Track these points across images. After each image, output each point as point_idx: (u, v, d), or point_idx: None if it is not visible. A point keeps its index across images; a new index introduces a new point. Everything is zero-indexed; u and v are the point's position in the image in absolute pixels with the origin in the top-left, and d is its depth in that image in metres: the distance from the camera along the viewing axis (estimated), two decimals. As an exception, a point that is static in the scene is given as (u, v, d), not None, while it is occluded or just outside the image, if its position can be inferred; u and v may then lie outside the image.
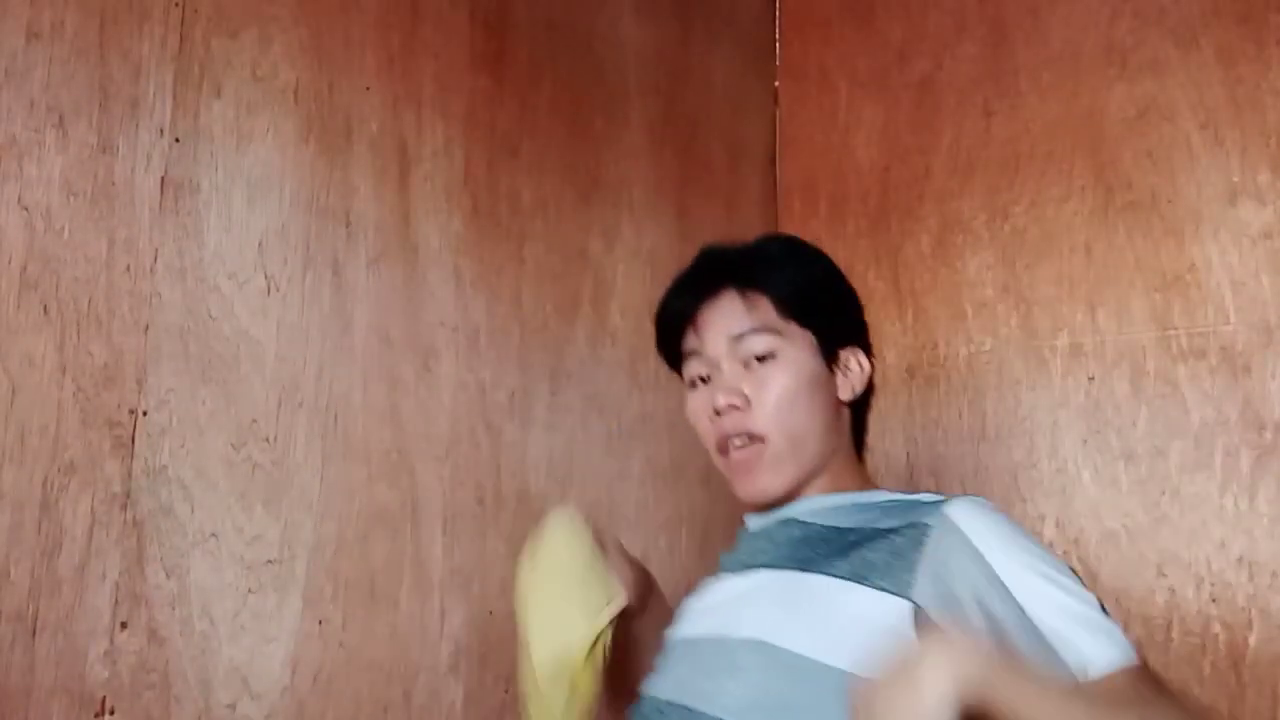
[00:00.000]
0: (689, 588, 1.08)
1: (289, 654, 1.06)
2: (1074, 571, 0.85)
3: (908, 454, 1.63)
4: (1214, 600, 1.33)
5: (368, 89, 1.21)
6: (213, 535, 1.01)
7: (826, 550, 0.91)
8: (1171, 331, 1.42)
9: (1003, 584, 0.80)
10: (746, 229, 1.82)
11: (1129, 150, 1.50)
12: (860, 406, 1.06)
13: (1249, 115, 1.41)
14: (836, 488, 1.00)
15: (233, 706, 1.00)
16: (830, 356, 1.01)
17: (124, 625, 0.94)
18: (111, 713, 0.92)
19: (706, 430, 1.01)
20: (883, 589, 0.84)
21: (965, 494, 0.95)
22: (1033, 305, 1.54)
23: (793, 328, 0.99)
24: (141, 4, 1.02)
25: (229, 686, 1.01)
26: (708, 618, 0.97)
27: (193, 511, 1.00)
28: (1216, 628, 1.32)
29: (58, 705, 0.89)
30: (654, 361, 1.54)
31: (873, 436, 1.72)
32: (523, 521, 1.31)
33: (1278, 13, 1.42)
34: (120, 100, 0.99)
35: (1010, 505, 1.50)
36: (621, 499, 1.46)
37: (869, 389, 1.05)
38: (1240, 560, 1.32)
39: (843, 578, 0.87)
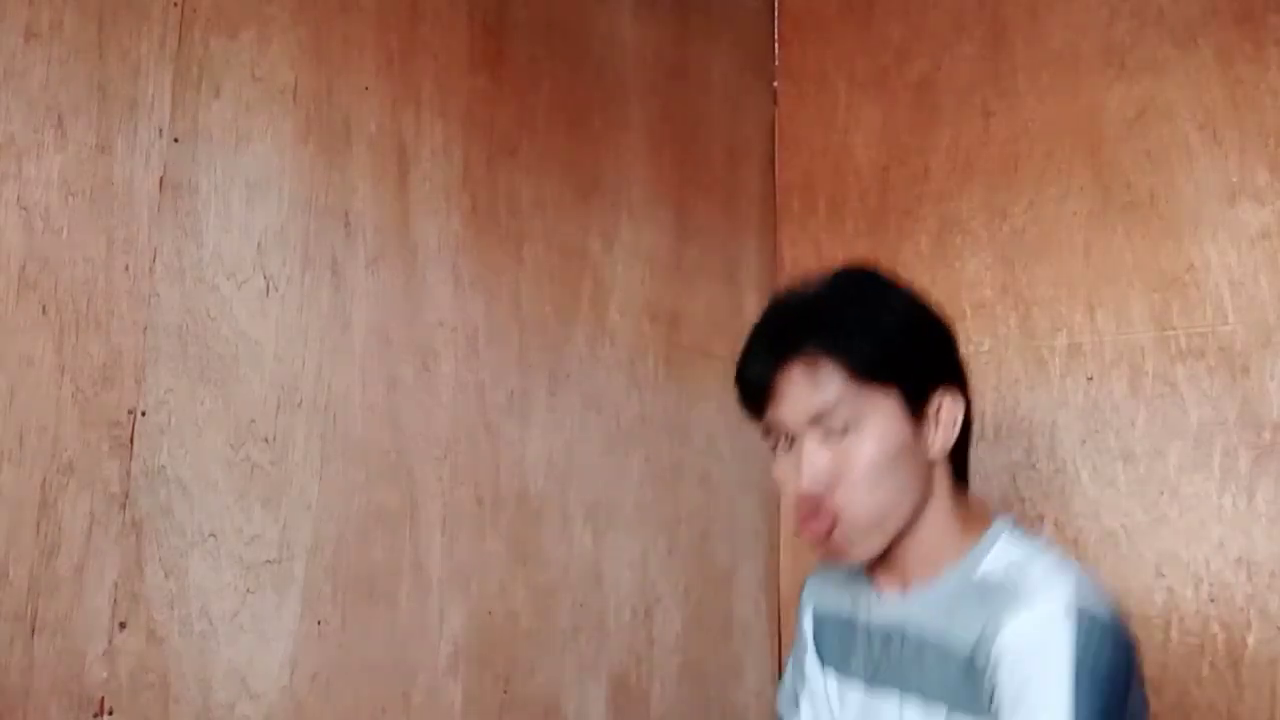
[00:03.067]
0: (687, 587, 1.08)
1: (288, 654, 1.05)
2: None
3: (907, 454, 1.63)
4: (1212, 600, 1.33)
5: (367, 89, 1.21)
6: (211, 535, 1.01)
7: (952, 680, 0.88)
8: (1170, 332, 1.42)
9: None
10: (745, 229, 1.82)
11: (1128, 150, 1.50)
12: (959, 447, 0.96)
13: (1247, 115, 1.41)
14: (939, 556, 0.94)
15: (231, 707, 1.00)
16: (918, 409, 0.92)
17: (123, 625, 0.94)
18: (110, 713, 0.92)
19: (791, 500, 0.93)
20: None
21: (1048, 579, 0.85)
22: (1031, 305, 1.54)
23: (873, 389, 0.90)
24: (140, 4, 1.02)
25: (228, 687, 1.01)
26: None
27: (191, 511, 1.00)
28: (1215, 628, 1.32)
29: (56, 705, 0.89)
30: (653, 361, 1.54)
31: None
32: (522, 521, 1.31)
33: (1276, 13, 1.42)
34: (119, 100, 0.99)
35: (1009, 505, 1.50)
36: (621, 499, 1.46)
37: (967, 427, 0.96)
38: (1239, 560, 1.32)
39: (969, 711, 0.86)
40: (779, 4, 1.97)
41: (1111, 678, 0.79)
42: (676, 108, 1.69)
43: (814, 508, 0.90)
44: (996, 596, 0.86)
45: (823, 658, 1.06)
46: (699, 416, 1.60)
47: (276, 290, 1.10)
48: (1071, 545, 1.44)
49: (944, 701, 0.87)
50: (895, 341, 0.92)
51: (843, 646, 1.02)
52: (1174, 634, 1.35)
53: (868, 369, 0.89)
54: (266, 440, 1.07)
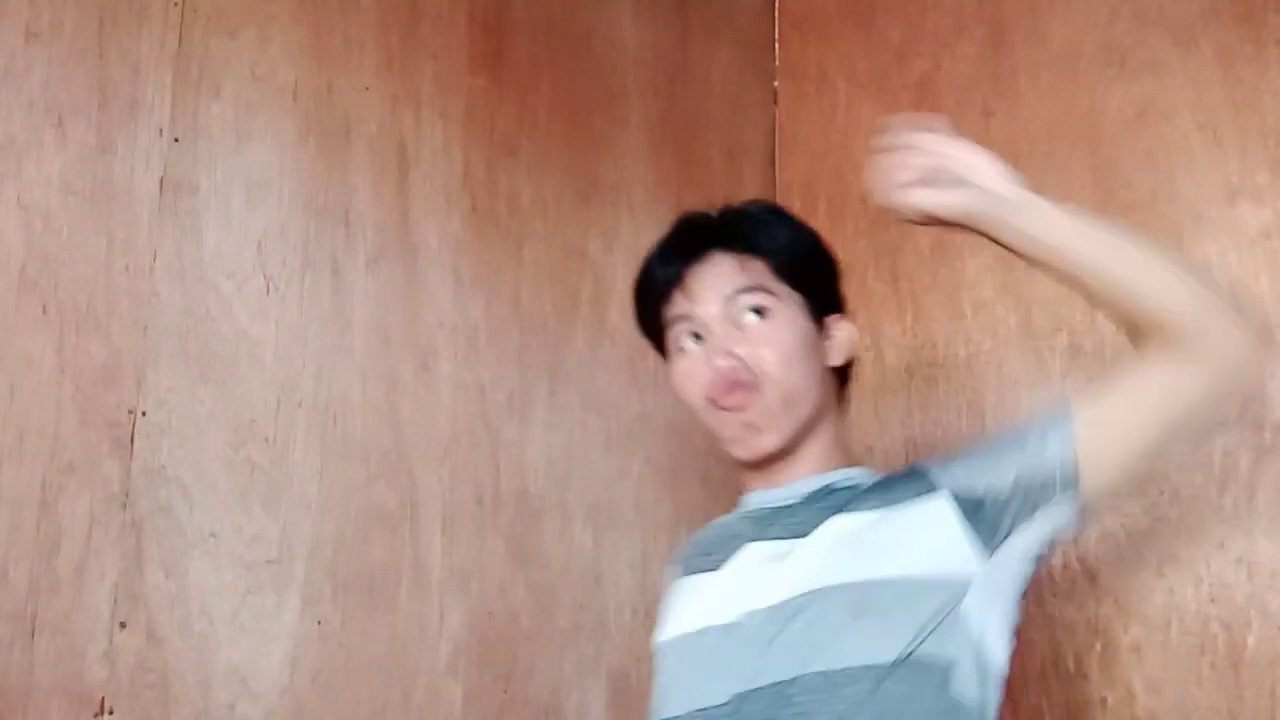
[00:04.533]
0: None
1: (288, 654, 1.05)
2: None
3: (907, 454, 1.63)
4: (1213, 600, 1.33)
5: (367, 89, 1.21)
6: (212, 535, 1.01)
7: (846, 500, 0.94)
8: (1170, 332, 1.42)
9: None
10: (746, 229, 1.82)
11: (1128, 150, 1.50)
12: (844, 377, 1.05)
13: (1248, 116, 1.41)
14: (829, 464, 1.00)
15: (231, 706, 1.00)
16: (819, 321, 1.01)
17: (123, 625, 0.94)
18: (110, 713, 0.92)
19: (699, 388, 0.97)
20: (918, 498, 0.91)
21: None
22: (1032, 305, 1.54)
23: (785, 289, 0.98)
24: (140, 4, 1.02)
25: (228, 686, 1.01)
26: (775, 580, 0.91)
27: (192, 511, 1.00)
28: (1215, 628, 1.32)
29: (56, 705, 0.89)
30: (653, 361, 1.54)
31: (872, 436, 1.72)
32: (522, 521, 1.31)
33: (1276, 13, 1.42)
34: (119, 100, 0.99)
35: (1009, 505, 1.50)
36: (620, 499, 1.46)
37: (852, 361, 1.05)
38: (1239, 560, 1.32)
39: (879, 508, 0.92)
40: (779, 4, 1.97)
41: None
42: (676, 108, 1.69)
43: (733, 383, 0.94)
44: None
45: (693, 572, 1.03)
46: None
47: (276, 290, 1.10)
48: (1072, 545, 1.44)
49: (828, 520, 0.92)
50: (808, 256, 1.02)
51: (733, 540, 1.00)
52: (1174, 634, 1.35)
53: (785, 266, 0.98)
54: (266, 440, 1.07)
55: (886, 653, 0.83)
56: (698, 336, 0.98)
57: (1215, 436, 1.38)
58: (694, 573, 1.01)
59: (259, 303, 1.08)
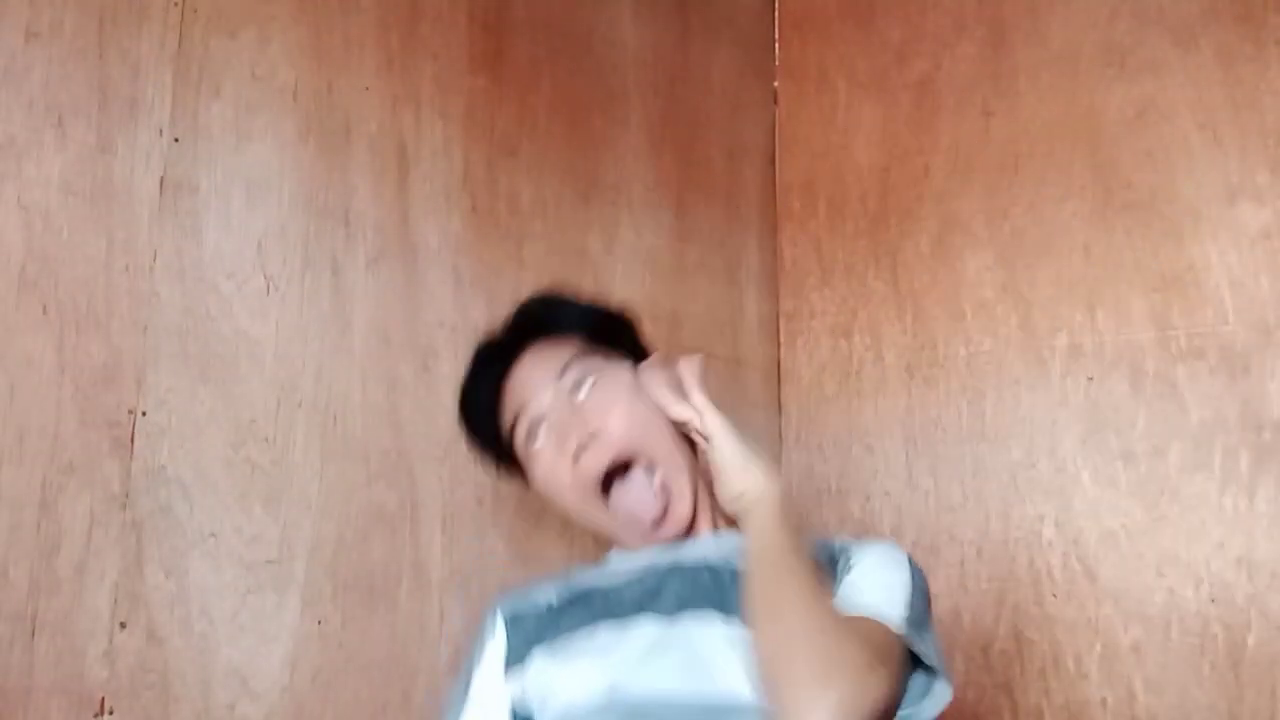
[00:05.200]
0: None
1: (288, 654, 1.05)
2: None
3: (907, 454, 1.63)
4: (1213, 600, 1.33)
5: (367, 89, 1.21)
6: (212, 535, 1.01)
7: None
8: (1170, 332, 1.43)
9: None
10: (745, 229, 1.82)
11: (1128, 150, 1.50)
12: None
13: (1248, 116, 1.41)
14: (724, 524, 0.98)
15: (232, 706, 1.00)
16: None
17: (123, 625, 0.94)
18: (110, 713, 0.92)
19: (570, 481, 0.95)
20: None
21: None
22: (1032, 305, 1.54)
23: (605, 353, 1.00)
24: (140, 4, 1.02)
25: (228, 686, 1.00)
26: (683, 673, 0.85)
27: (192, 511, 1.00)
28: (1215, 628, 1.32)
29: (56, 705, 0.89)
30: (653, 361, 1.53)
31: (872, 436, 1.72)
32: (522, 521, 1.31)
33: (1276, 13, 1.42)
34: (119, 100, 0.99)
35: (1009, 505, 1.50)
36: (621, 499, 1.46)
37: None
38: (1239, 560, 1.32)
39: None
40: (779, 4, 1.97)
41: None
42: (676, 108, 1.69)
43: (599, 458, 0.93)
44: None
45: (538, 638, 0.95)
46: (699, 416, 1.60)
47: (276, 290, 1.10)
48: (1072, 545, 1.44)
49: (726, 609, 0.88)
50: (600, 320, 1.04)
51: (575, 612, 0.95)
52: (1174, 634, 1.35)
53: (594, 333, 1.00)
54: (266, 440, 1.07)
55: None
56: (533, 432, 0.97)
57: (1216, 437, 1.37)
58: (601, 619, 0.92)
59: (259, 303, 1.08)
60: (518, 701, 0.93)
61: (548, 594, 0.99)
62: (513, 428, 0.99)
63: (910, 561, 0.91)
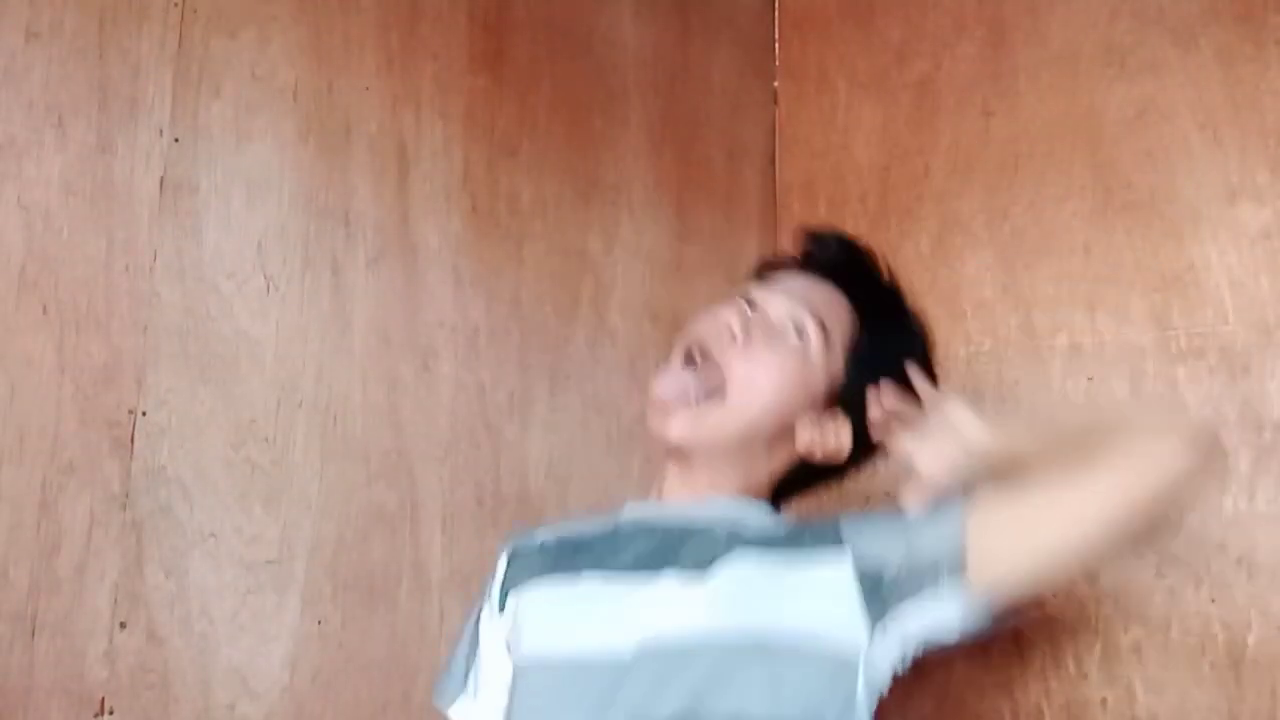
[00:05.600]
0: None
1: (288, 654, 1.05)
2: None
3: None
4: (1213, 600, 1.33)
5: (367, 89, 1.21)
6: (212, 535, 1.01)
7: (748, 536, 0.89)
8: (1170, 332, 1.42)
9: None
10: (745, 229, 1.82)
11: (1128, 150, 1.50)
12: (806, 473, 0.98)
13: (1248, 116, 1.41)
14: (738, 492, 0.95)
15: (232, 706, 1.00)
16: (830, 403, 0.94)
17: (123, 625, 0.94)
18: (110, 713, 0.92)
19: (698, 329, 0.94)
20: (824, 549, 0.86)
21: None
22: (1032, 306, 1.54)
23: (834, 355, 0.93)
24: (140, 4, 1.02)
25: (228, 686, 1.00)
26: (674, 614, 0.85)
27: (192, 511, 1.00)
28: (1216, 628, 1.32)
29: (57, 705, 0.89)
30: (653, 362, 1.54)
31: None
32: (522, 521, 1.31)
33: (1277, 13, 1.42)
34: (119, 100, 0.99)
35: (1009, 505, 1.50)
36: (621, 499, 1.46)
37: (826, 469, 0.98)
38: (1239, 560, 1.32)
39: (784, 549, 0.87)
40: (779, 4, 1.97)
41: None
42: (676, 108, 1.69)
43: (713, 357, 0.91)
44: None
45: (517, 580, 0.97)
46: (699, 416, 1.60)
47: (277, 290, 1.10)
48: (1072, 545, 1.44)
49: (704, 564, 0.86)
50: (887, 363, 0.95)
51: (565, 553, 0.95)
52: (1174, 634, 1.35)
53: (853, 350, 0.94)
54: (267, 440, 1.07)
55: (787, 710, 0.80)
56: (750, 303, 0.94)
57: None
58: (563, 570, 0.93)
59: (259, 303, 1.08)
60: (509, 642, 0.95)
61: (547, 533, 1.00)
62: (763, 277, 0.99)
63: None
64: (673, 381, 0.92)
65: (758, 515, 0.93)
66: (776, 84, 1.94)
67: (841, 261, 0.99)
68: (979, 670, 1.46)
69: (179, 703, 0.97)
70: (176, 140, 1.03)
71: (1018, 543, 0.83)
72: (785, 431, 0.93)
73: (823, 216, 1.83)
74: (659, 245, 1.59)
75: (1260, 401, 1.34)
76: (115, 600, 0.94)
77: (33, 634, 0.89)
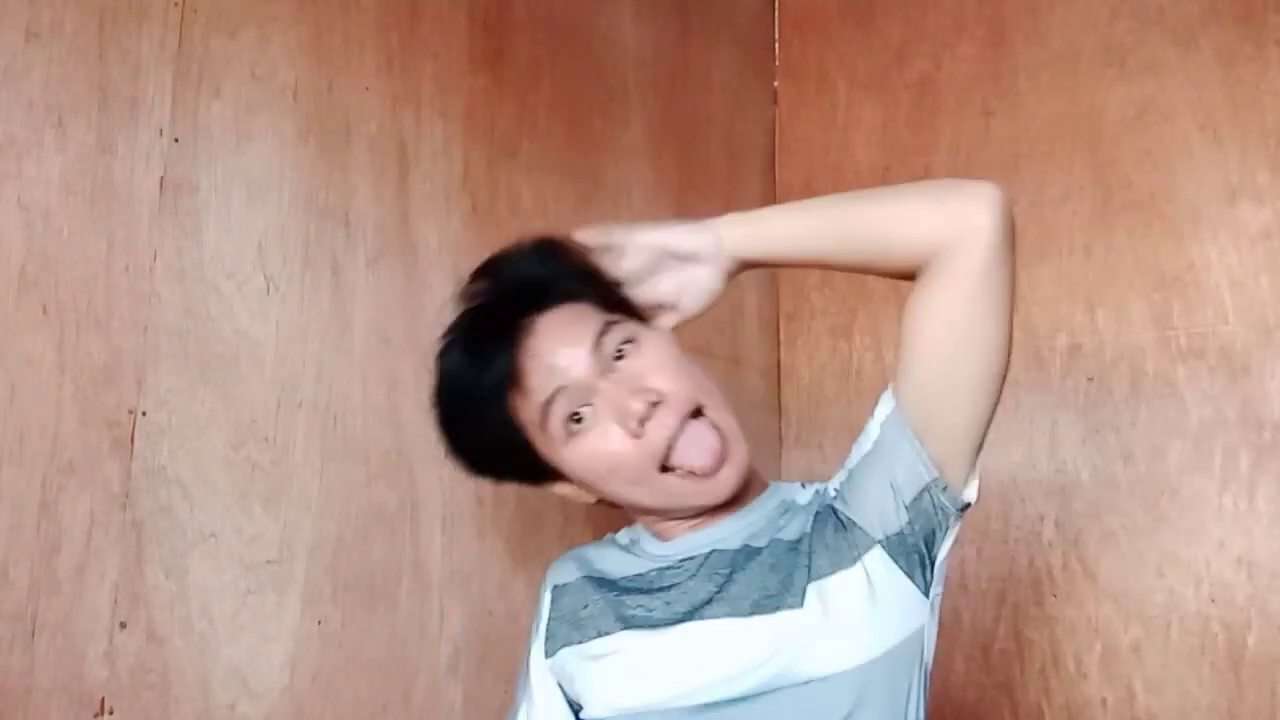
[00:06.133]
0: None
1: (288, 654, 1.05)
2: None
3: (907, 454, 1.63)
4: (1213, 600, 1.33)
5: (367, 89, 1.21)
6: (212, 535, 1.01)
7: (769, 578, 0.86)
8: (1170, 332, 1.43)
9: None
10: (746, 229, 1.82)
11: (1128, 150, 1.50)
12: None
13: (1248, 116, 1.42)
14: (750, 495, 0.93)
15: (232, 707, 1.00)
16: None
17: (123, 625, 0.94)
18: (110, 713, 0.92)
19: (634, 456, 0.84)
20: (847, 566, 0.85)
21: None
22: (1032, 305, 1.54)
23: (622, 316, 0.89)
24: (140, 4, 1.02)
25: (228, 687, 1.00)
26: (730, 660, 0.84)
27: (192, 512, 1.00)
28: (1216, 628, 1.32)
29: (57, 705, 0.89)
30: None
31: (872, 436, 1.72)
32: (522, 521, 1.31)
33: (1276, 13, 1.42)
34: (119, 100, 0.99)
35: (1009, 505, 1.50)
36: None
37: None
38: (1239, 560, 1.33)
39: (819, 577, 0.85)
40: (779, 4, 1.97)
41: None
42: (677, 108, 1.69)
43: (669, 422, 0.83)
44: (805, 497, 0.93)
45: (560, 634, 0.95)
46: (699, 416, 1.60)
47: (277, 290, 1.10)
48: (1072, 545, 1.44)
49: (761, 598, 0.85)
50: (602, 278, 0.92)
51: (615, 601, 0.92)
52: (1174, 634, 1.35)
53: (610, 305, 0.90)
54: (267, 440, 1.07)
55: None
56: (575, 415, 0.85)
57: (1216, 437, 1.37)
58: (630, 626, 0.90)
59: (259, 303, 1.08)
60: (563, 684, 0.95)
61: (589, 570, 0.97)
62: (545, 412, 0.85)
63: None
64: (713, 439, 0.86)
65: (761, 519, 0.93)
66: (776, 84, 1.94)
67: (496, 326, 0.89)
68: (979, 670, 1.46)
69: (179, 703, 0.97)
70: (176, 140, 1.03)
71: (946, 381, 0.86)
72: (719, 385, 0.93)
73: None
74: (659, 245, 1.59)
75: (1260, 401, 1.34)
76: (115, 600, 0.94)
77: (33, 634, 0.88)
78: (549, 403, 0.85)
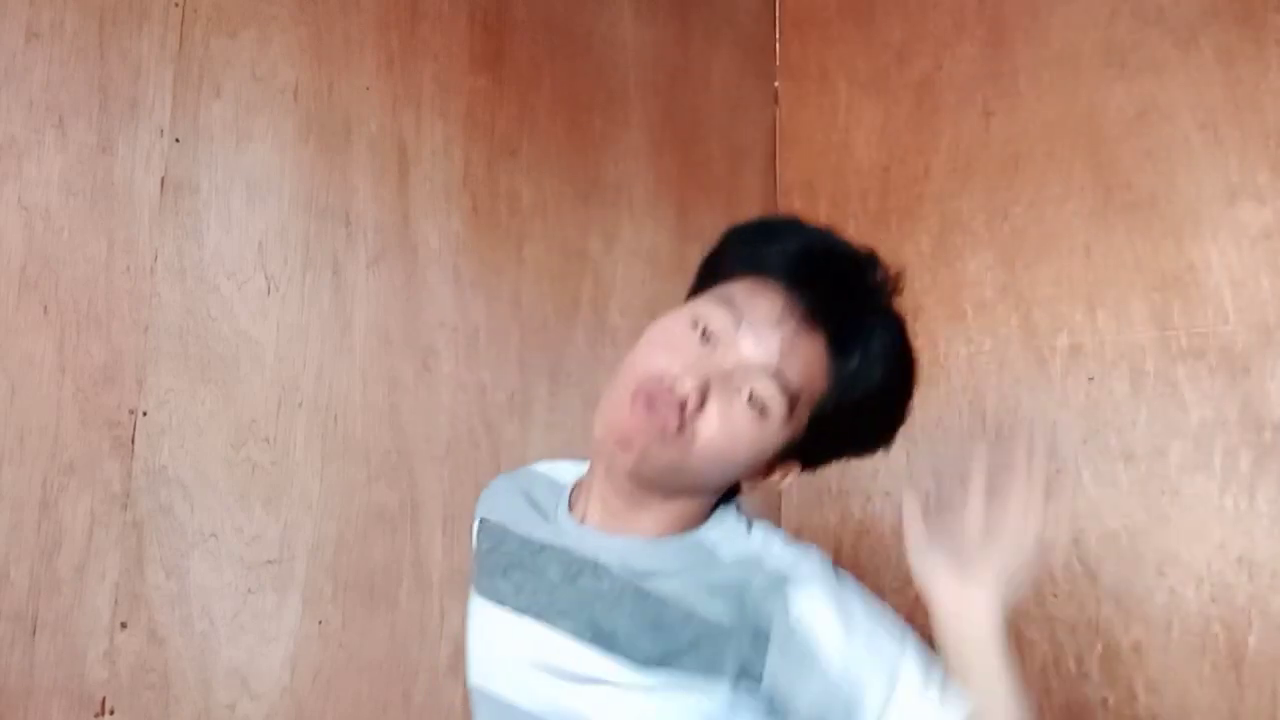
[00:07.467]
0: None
1: (288, 654, 1.05)
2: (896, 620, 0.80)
3: (907, 454, 1.63)
4: (1214, 600, 1.33)
5: (367, 89, 1.21)
6: (212, 535, 1.01)
7: (635, 625, 0.78)
8: (1171, 332, 1.42)
9: (849, 700, 0.75)
10: (746, 229, 1.82)
11: (1128, 150, 1.50)
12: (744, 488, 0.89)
13: (1248, 116, 1.41)
14: (673, 522, 0.84)
15: (232, 706, 1.00)
16: (786, 457, 0.82)
17: (124, 625, 0.94)
18: (111, 712, 0.92)
19: (649, 364, 0.79)
20: (732, 687, 0.76)
21: (800, 558, 0.80)
22: (1032, 305, 1.54)
23: (800, 416, 0.79)
24: (141, 4, 1.02)
25: (228, 686, 1.00)
26: (532, 681, 0.81)
27: (192, 511, 1.00)
28: (1216, 628, 1.32)
29: (57, 705, 0.89)
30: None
31: (872, 436, 1.72)
32: (522, 521, 1.31)
33: (1277, 13, 1.42)
34: (120, 100, 0.99)
35: (1010, 505, 1.50)
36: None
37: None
38: (1240, 560, 1.32)
39: (655, 669, 0.77)
40: (779, 4, 1.97)
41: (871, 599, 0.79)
42: (677, 108, 1.69)
43: (671, 412, 0.76)
44: (749, 572, 0.79)
45: (477, 577, 0.92)
46: (699, 416, 1.60)
47: (277, 290, 1.10)
48: (1073, 545, 1.44)
49: (635, 644, 0.77)
50: (864, 417, 0.82)
51: (510, 568, 0.88)
52: (1175, 634, 1.35)
53: (830, 415, 0.80)
54: (267, 440, 1.07)
55: None
56: (708, 335, 0.79)
57: (1216, 437, 1.37)
58: (491, 598, 0.87)
59: (259, 303, 1.08)
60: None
61: (502, 516, 0.93)
62: (716, 303, 0.79)
63: (852, 605, 0.77)
64: (646, 417, 0.77)
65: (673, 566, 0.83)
66: (776, 84, 1.94)
67: (833, 299, 0.79)
68: (979, 670, 1.46)
69: (179, 703, 0.97)
70: (177, 140, 1.03)
71: None
72: (724, 483, 0.84)
73: (823, 216, 1.82)
74: (659, 245, 1.59)
75: (1260, 401, 1.34)
76: (115, 600, 0.94)
77: (33, 634, 0.89)
78: (716, 303, 0.80)
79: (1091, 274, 1.50)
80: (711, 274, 0.84)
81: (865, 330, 0.80)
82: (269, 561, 1.05)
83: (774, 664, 0.75)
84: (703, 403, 0.76)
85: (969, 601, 0.79)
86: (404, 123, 1.25)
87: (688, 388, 0.76)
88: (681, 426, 0.76)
